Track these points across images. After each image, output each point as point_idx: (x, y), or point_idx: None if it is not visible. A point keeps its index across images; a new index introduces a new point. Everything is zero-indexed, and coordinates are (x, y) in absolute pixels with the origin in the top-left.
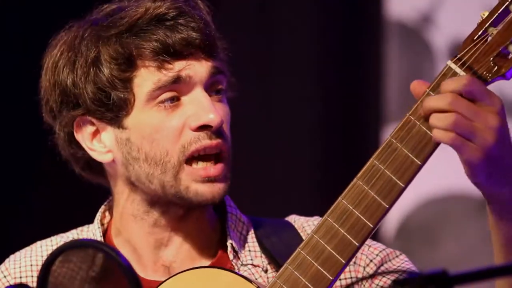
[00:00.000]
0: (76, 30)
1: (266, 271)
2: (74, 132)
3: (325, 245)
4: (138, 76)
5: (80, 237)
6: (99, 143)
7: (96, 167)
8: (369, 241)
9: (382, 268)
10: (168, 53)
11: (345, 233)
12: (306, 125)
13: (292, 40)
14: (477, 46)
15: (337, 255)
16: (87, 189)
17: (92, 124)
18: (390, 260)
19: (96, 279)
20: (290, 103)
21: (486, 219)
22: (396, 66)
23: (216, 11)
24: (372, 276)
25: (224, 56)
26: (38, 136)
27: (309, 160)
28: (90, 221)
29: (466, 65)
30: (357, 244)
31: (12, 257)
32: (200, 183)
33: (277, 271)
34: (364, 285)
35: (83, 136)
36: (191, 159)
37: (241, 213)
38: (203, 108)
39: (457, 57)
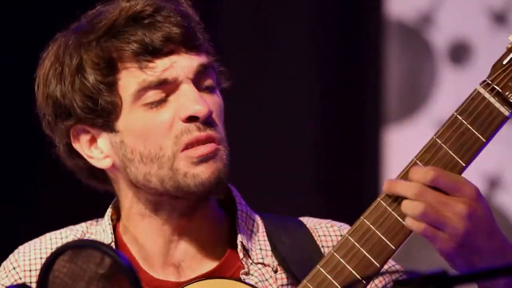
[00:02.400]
0: (61, 40)
1: (276, 271)
2: (72, 143)
3: (346, 264)
4: (122, 78)
5: (90, 230)
6: (97, 149)
7: (100, 174)
8: None
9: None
10: (148, 52)
11: (366, 254)
12: (305, 125)
13: (291, 40)
14: (506, 72)
15: (358, 276)
16: (87, 188)
17: (87, 132)
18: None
19: (96, 279)
20: (289, 103)
21: None
22: (396, 66)
23: (214, 12)
24: (371, 277)
25: (209, 48)
26: (38, 136)
27: (309, 160)
28: (90, 218)
29: (496, 90)
30: (378, 265)
31: (21, 248)
32: (196, 165)
33: (286, 272)
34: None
35: (81, 145)
36: (184, 150)
37: (251, 210)
38: (189, 100)
39: (486, 82)
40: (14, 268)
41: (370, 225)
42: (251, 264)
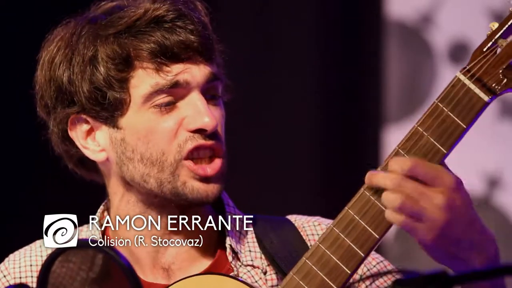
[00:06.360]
0: (73, 27)
1: (265, 273)
2: (68, 130)
3: (331, 255)
4: (135, 77)
5: (81, 235)
6: (93, 141)
7: (89, 164)
8: None
9: (379, 278)
10: (166, 56)
11: (351, 244)
12: (306, 125)
13: (291, 40)
14: (486, 58)
15: (343, 266)
16: (84, 191)
17: (87, 122)
18: (387, 272)
19: (96, 280)
20: (289, 103)
21: (486, 219)
22: (396, 66)
23: (214, 12)
24: (371, 277)
25: (220, 61)
26: (37, 136)
27: (309, 160)
28: (85, 222)
29: (475, 77)
30: (362, 254)
31: (11, 256)
32: (197, 181)
33: (276, 272)
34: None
35: (77, 134)
36: (187, 159)
37: (240, 211)
38: (199, 112)
39: (467, 69)
40: (4, 276)
41: (354, 215)
42: (240, 266)
